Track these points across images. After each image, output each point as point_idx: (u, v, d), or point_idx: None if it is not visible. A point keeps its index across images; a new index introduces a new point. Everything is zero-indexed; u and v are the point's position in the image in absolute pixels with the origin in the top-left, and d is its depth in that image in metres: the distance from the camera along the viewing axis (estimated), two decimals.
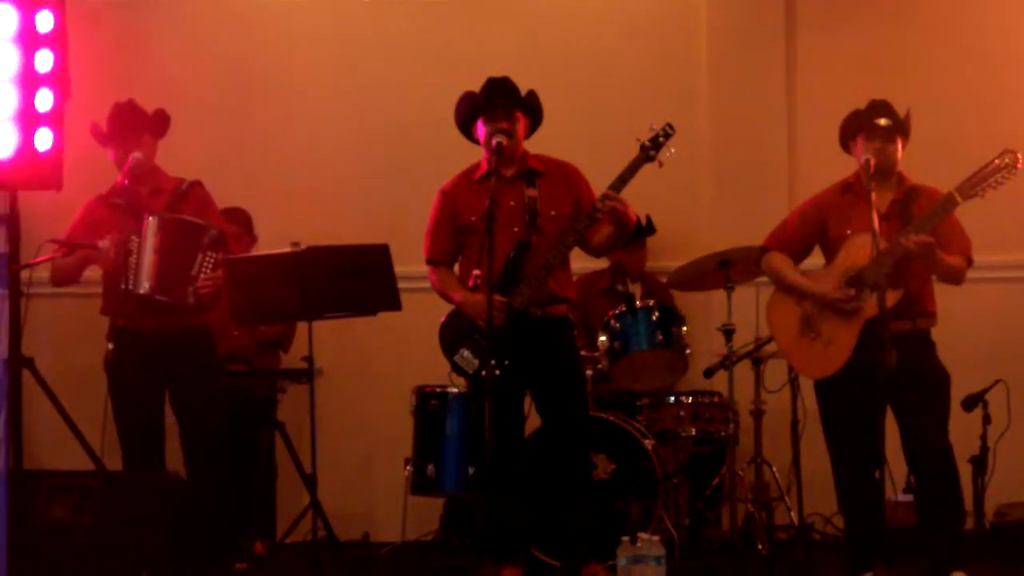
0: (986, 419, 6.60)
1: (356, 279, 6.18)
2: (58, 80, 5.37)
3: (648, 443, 6.66)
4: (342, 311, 6.37)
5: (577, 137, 7.34)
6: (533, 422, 6.27)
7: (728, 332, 6.83)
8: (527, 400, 6.19)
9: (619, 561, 5.61)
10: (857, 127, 5.86)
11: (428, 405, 6.74)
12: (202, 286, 6.09)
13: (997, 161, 5.60)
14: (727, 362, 6.84)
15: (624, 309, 6.87)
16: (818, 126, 6.92)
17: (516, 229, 6.05)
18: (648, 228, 7.53)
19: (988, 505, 6.71)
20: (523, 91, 6.15)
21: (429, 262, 6.26)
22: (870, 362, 5.47)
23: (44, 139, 5.34)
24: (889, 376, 5.39)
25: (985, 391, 6.62)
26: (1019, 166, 5.61)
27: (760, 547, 6.66)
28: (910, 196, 5.79)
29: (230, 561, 6.27)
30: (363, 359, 7.92)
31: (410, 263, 6.50)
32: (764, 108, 7.87)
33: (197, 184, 6.35)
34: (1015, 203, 6.83)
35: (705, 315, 7.55)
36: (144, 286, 6.01)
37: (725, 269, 6.87)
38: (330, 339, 6.98)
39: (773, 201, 7.37)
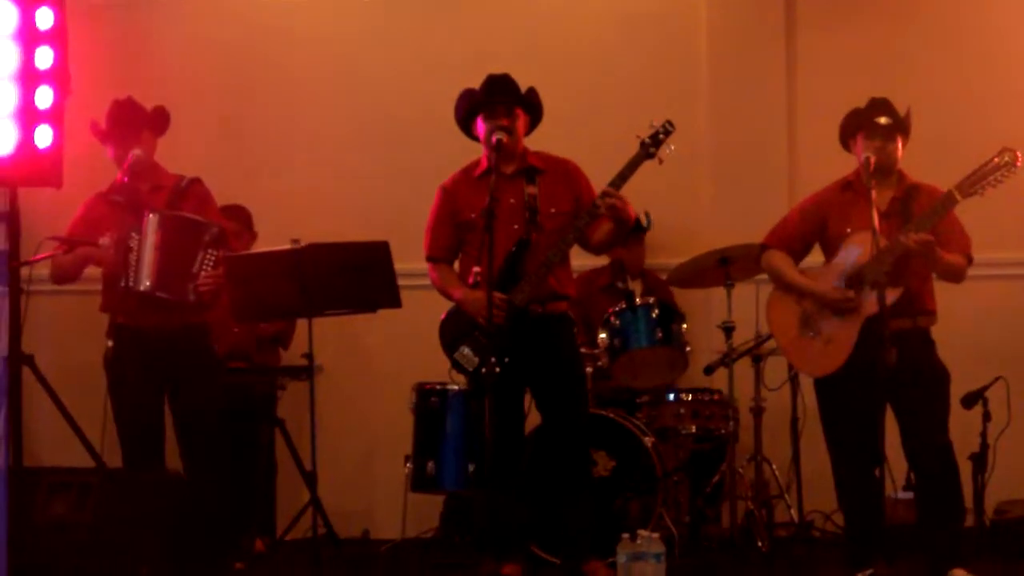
0: (986, 416, 6.60)
1: (356, 276, 6.17)
2: (58, 77, 5.38)
3: (648, 440, 6.66)
4: (342, 308, 6.37)
5: (577, 134, 7.34)
6: (533, 419, 6.27)
7: (728, 329, 6.84)
8: (527, 397, 6.19)
9: (619, 558, 5.61)
10: (857, 125, 5.86)
11: (428, 402, 6.74)
12: (202, 283, 6.09)
13: (997, 159, 5.61)
14: (727, 359, 6.84)
15: (624, 306, 6.87)
16: (818, 124, 6.93)
17: (516, 226, 6.05)
18: (647, 225, 7.53)
19: (988, 502, 6.71)
20: (523, 88, 6.15)
21: (429, 259, 6.26)
22: (870, 360, 5.47)
23: (44, 136, 5.34)
24: (889, 374, 5.39)
25: (985, 388, 6.62)
26: (1019, 164, 5.62)
27: (760, 544, 6.66)
28: (910, 194, 5.79)
29: (230, 559, 6.26)
30: (363, 356, 7.92)
31: (410, 260, 6.50)
32: (764, 106, 7.87)
33: (197, 181, 6.35)
34: (1015, 201, 6.84)
35: (705, 312, 7.55)
36: (144, 283, 6.01)
37: (725, 266, 6.87)
38: (330, 336, 6.98)
39: (773, 199, 7.36)
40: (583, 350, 6.54)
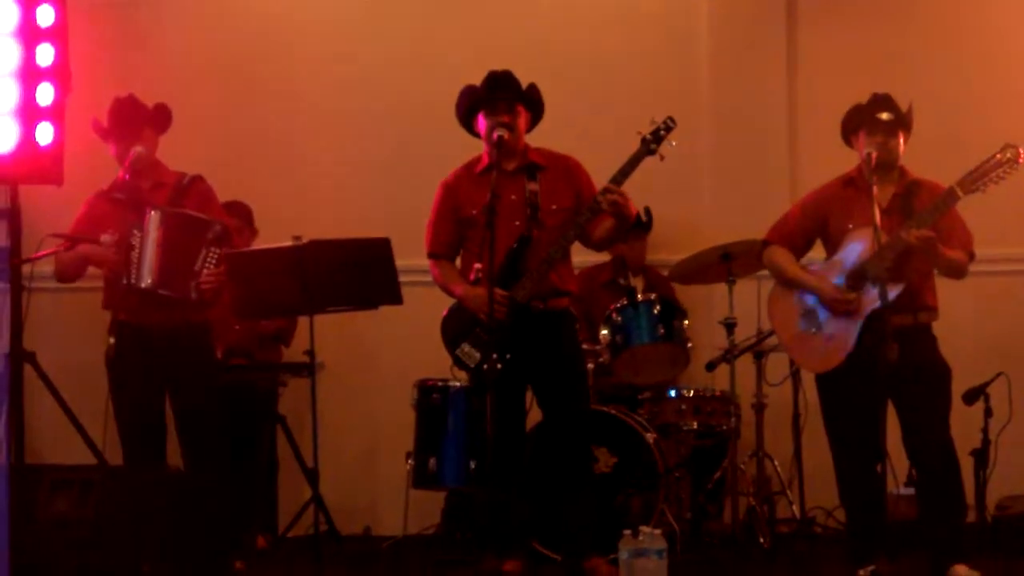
0: (987, 412, 6.59)
1: (357, 273, 6.18)
2: (59, 74, 5.38)
3: (650, 437, 6.66)
4: (343, 305, 6.37)
5: (578, 130, 7.34)
6: (535, 416, 6.28)
7: (730, 326, 6.84)
8: (528, 394, 6.19)
9: (621, 555, 5.61)
10: (859, 121, 5.86)
11: (429, 399, 6.73)
12: (205, 281, 6.09)
13: (999, 156, 5.60)
14: (729, 356, 6.84)
15: (626, 303, 6.87)
16: (819, 120, 6.94)
17: (517, 223, 6.05)
18: (648, 221, 7.52)
19: (990, 498, 6.70)
20: (524, 85, 6.14)
21: (430, 256, 6.26)
22: (871, 356, 5.47)
23: (45, 133, 5.34)
24: (890, 370, 5.39)
25: (986, 384, 6.61)
26: (1020, 161, 5.61)
27: (762, 541, 6.67)
28: (911, 190, 5.79)
29: (231, 556, 6.26)
30: (365, 353, 7.92)
31: (411, 257, 6.50)
32: (765, 102, 7.87)
33: (199, 179, 6.35)
34: (1016, 198, 6.82)
35: (707, 309, 7.54)
36: (146, 280, 6.01)
37: (727, 263, 6.86)
38: (332, 333, 6.97)
39: (774, 195, 7.36)
40: (584, 346, 6.54)
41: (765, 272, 6.32)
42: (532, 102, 6.17)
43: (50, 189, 5.52)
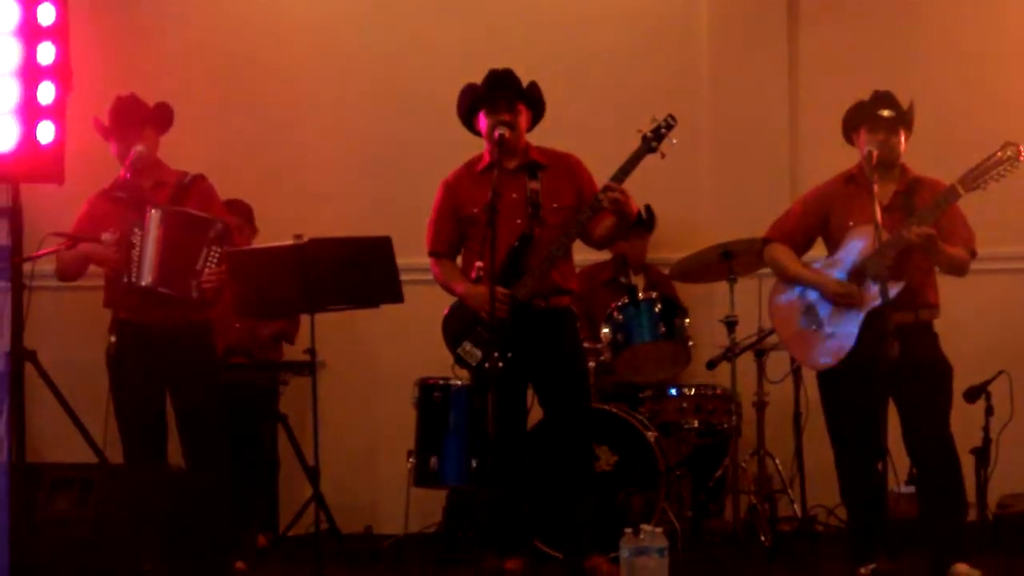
0: (989, 410, 6.59)
1: (358, 271, 6.17)
2: (60, 73, 5.38)
3: (651, 435, 6.66)
4: (344, 303, 6.37)
5: (579, 129, 7.33)
6: (536, 414, 6.27)
7: (731, 324, 6.83)
8: (530, 392, 6.19)
9: (622, 553, 5.61)
10: (860, 118, 5.86)
11: (431, 397, 6.73)
12: (206, 280, 6.09)
13: (999, 154, 5.60)
14: (730, 354, 6.84)
15: (627, 301, 6.87)
16: (820, 117, 6.93)
17: (518, 221, 6.05)
18: (648, 220, 7.52)
19: (991, 496, 6.71)
20: (525, 83, 6.14)
21: (432, 254, 6.26)
22: (872, 354, 5.47)
23: (46, 132, 5.34)
24: (891, 368, 5.39)
25: (988, 382, 6.61)
26: (1021, 159, 5.61)
27: (763, 539, 6.66)
28: (913, 188, 5.79)
29: (232, 555, 6.26)
30: (366, 351, 7.92)
31: (412, 255, 6.50)
32: (766, 99, 7.86)
33: (200, 177, 6.35)
34: (1017, 195, 6.82)
35: (708, 307, 7.54)
36: (146, 278, 6.01)
37: (728, 261, 6.86)
38: (333, 332, 6.97)
39: (775, 193, 7.36)
40: (586, 345, 6.54)
41: (766, 270, 6.32)
42: (533, 100, 6.17)
43: (51, 188, 5.53)
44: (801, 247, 6.04)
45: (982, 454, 6.53)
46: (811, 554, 6.65)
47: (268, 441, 7.21)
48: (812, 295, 5.88)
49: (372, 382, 7.89)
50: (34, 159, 5.32)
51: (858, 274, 5.72)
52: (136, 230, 6.04)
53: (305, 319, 6.56)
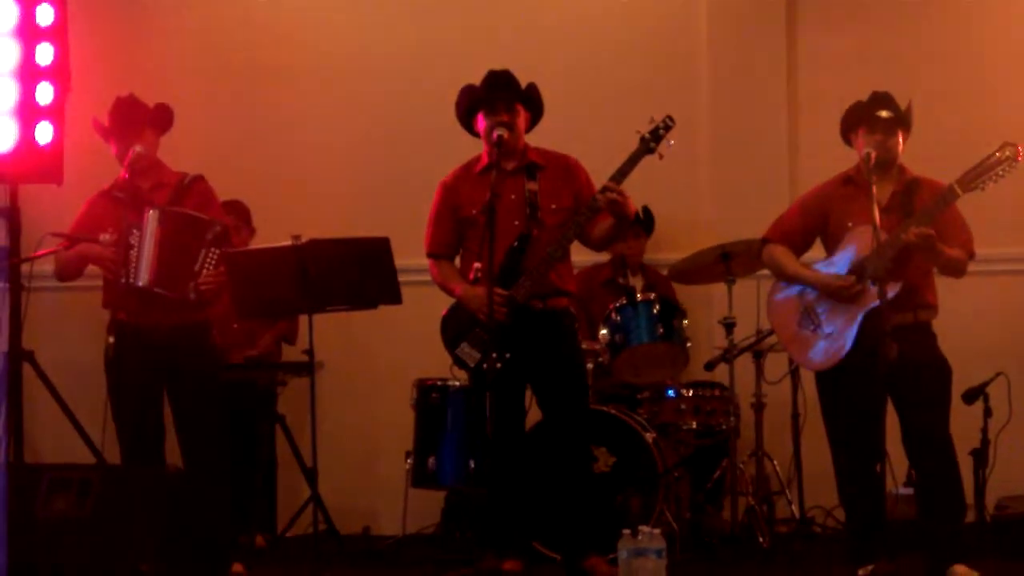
0: (987, 412, 6.60)
1: (357, 272, 6.17)
2: (58, 74, 5.38)
3: (649, 436, 6.66)
4: (343, 304, 6.37)
5: (577, 130, 7.34)
6: (534, 415, 6.27)
7: (729, 325, 6.83)
8: (528, 393, 6.19)
9: (620, 554, 5.60)
10: (858, 119, 5.86)
11: (429, 398, 6.74)
12: (204, 282, 6.08)
13: (998, 154, 5.60)
14: (728, 355, 6.84)
15: (625, 302, 6.86)
16: (819, 119, 6.94)
17: (517, 222, 6.05)
18: (647, 222, 7.52)
19: (989, 498, 6.71)
20: (524, 84, 6.14)
21: (430, 255, 6.26)
22: (871, 354, 5.47)
23: (44, 132, 5.35)
24: (889, 368, 5.39)
25: (986, 384, 6.62)
26: (1019, 159, 5.61)
27: (761, 540, 6.65)
28: (911, 188, 5.79)
29: (230, 557, 6.26)
30: (364, 352, 7.92)
31: (411, 256, 6.50)
32: (765, 100, 7.86)
33: (199, 179, 6.34)
34: (1016, 196, 6.84)
35: (706, 308, 7.55)
36: (143, 279, 6.00)
37: (726, 262, 6.86)
38: (331, 332, 6.97)
39: (774, 194, 7.36)
40: (584, 346, 6.54)
41: (764, 271, 6.32)
42: (531, 102, 6.17)
43: (49, 188, 5.53)
44: (800, 248, 6.04)
45: (980, 456, 6.53)
46: (809, 555, 6.64)
47: (266, 442, 7.22)
48: (811, 295, 5.88)
49: (370, 383, 7.89)
50: (32, 159, 5.33)
51: (856, 274, 5.72)
52: (134, 231, 6.03)
53: (303, 320, 6.57)
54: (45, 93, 5.33)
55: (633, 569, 5.52)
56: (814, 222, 5.98)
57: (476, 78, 6.15)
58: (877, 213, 5.52)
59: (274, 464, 7.33)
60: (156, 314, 6.09)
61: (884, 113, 5.78)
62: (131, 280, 6.00)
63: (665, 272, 7.44)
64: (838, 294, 5.76)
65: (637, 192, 6.08)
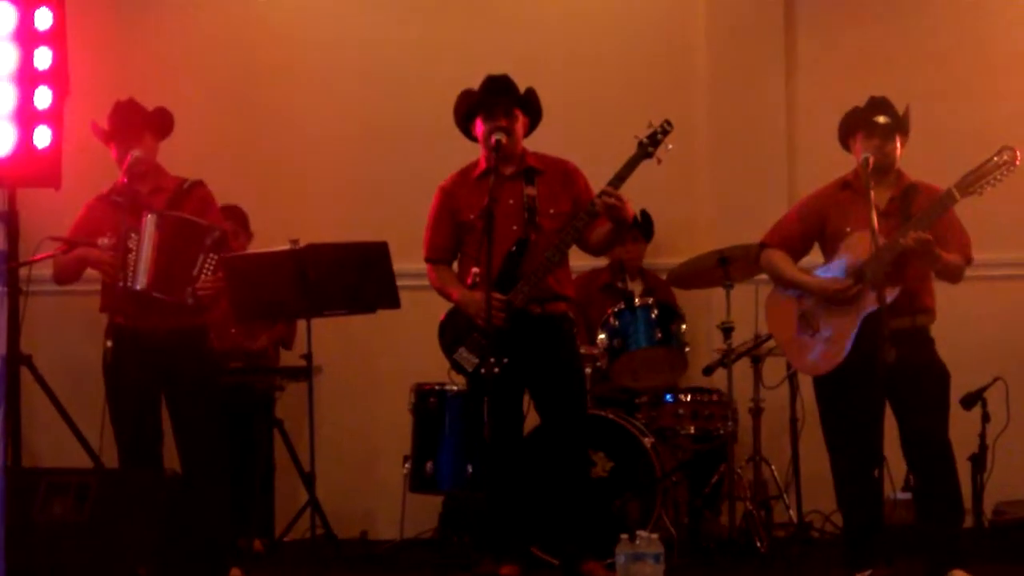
0: (985, 417, 6.60)
1: (355, 276, 6.17)
2: (57, 78, 5.36)
3: (647, 441, 6.65)
4: (341, 308, 6.36)
5: (575, 135, 7.34)
6: (532, 420, 6.27)
7: (727, 330, 6.83)
8: (526, 398, 6.19)
9: (618, 559, 5.60)
10: (856, 125, 5.86)
11: (427, 403, 6.74)
12: (202, 287, 6.08)
13: (996, 158, 5.60)
14: (726, 360, 6.84)
15: (623, 307, 6.87)
16: (817, 123, 6.94)
17: (515, 227, 6.06)
18: (647, 227, 7.52)
19: (987, 503, 6.72)
20: (522, 89, 6.14)
21: (428, 260, 6.26)
22: (869, 359, 5.46)
23: (43, 137, 5.32)
24: (888, 373, 5.39)
25: (984, 389, 6.62)
26: (1017, 163, 5.62)
27: (759, 545, 6.65)
28: (909, 193, 5.79)
29: (228, 561, 6.26)
30: (362, 357, 7.91)
31: (409, 261, 6.50)
32: (763, 105, 7.86)
33: (199, 184, 6.34)
34: (1014, 200, 6.84)
35: (705, 312, 7.55)
36: (141, 282, 6.00)
37: (724, 267, 6.86)
38: (329, 337, 6.98)
39: (772, 199, 7.36)
40: (582, 350, 6.54)
41: (763, 276, 6.33)
42: (530, 106, 6.17)
43: (48, 192, 5.50)
44: (798, 252, 6.04)
45: (978, 461, 6.53)
46: (807, 560, 6.63)
47: (264, 446, 7.21)
48: (809, 300, 5.88)
49: (368, 387, 7.89)
50: (31, 164, 5.30)
51: (855, 279, 5.72)
52: (132, 235, 6.03)
53: (301, 324, 6.57)
54: (43, 97, 5.31)
55: (631, 574, 5.52)
56: (812, 227, 5.99)
57: (475, 82, 6.15)
58: (875, 218, 5.52)
59: (272, 468, 7.32)
60: (154, 318, 6.10)
61: (881, 118, 5.79)
62: (129, 284, 6.00)
63: (664, 276, 7.44)
64: (835, 298, 5.76)
65: (635, 197, 6.08)
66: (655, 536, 5.65)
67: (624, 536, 5.63)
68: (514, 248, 6.03)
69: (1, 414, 5.51)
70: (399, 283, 6.22)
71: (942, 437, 5.72)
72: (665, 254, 7.70)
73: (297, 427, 7.11)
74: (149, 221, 6.05)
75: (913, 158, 5.94)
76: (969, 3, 7.89)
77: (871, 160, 5.69)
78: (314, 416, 6.25)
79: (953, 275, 5.80)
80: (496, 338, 5.76)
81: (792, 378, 6.86)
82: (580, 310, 7.02)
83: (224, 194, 6.78)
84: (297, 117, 8.07)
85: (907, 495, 6.19)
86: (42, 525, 5.51)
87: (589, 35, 8.05)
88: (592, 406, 6.68)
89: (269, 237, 7.02)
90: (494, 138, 6.00)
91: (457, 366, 6.13)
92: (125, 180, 6.16)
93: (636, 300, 6.90)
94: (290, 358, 7.32)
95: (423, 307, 6.46)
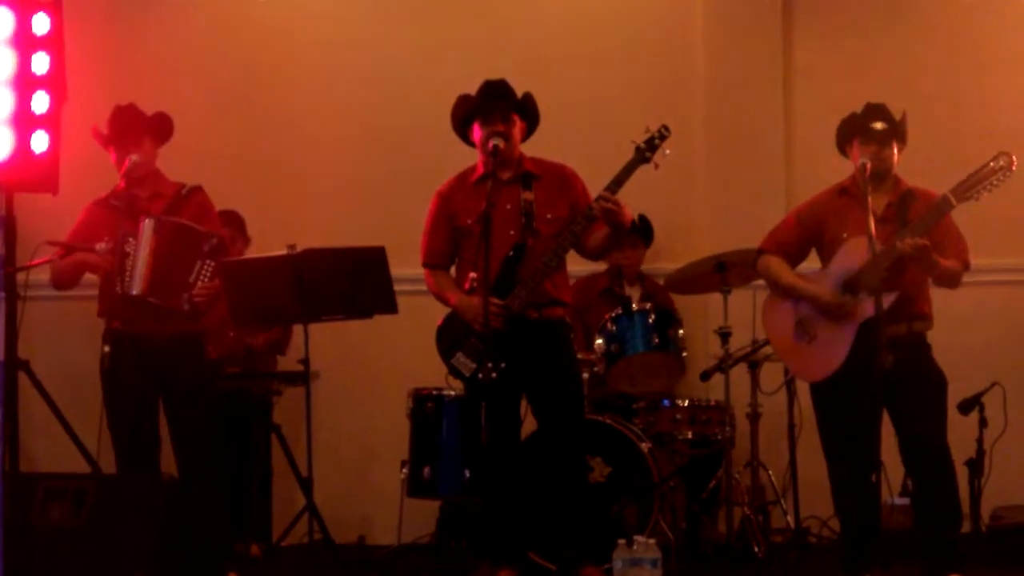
0: (982, 422, 6.61)
1: (352, 281, 6.18)
2: (54, 83, 5.37)
3: (645, 446, 6.65)
4: (338, 314, 6.37)
5: (573, 140, 7.34)
6: (530, 425, 6.27)
7: (724, 335, 6.83)
8: (523, 403, 6.19)
9: (615, 564, 5.61)
10: (853, 131, 5.87)
11: (424, 408, 6.74)
12: (198, 294, 6.08)
13: (992, 164, 5.61)
14: (723, 365, 6.84)
15: (621, 312, 6.87)
16: (814, 129, 6.95)
17: (512, 232, 6.06)
18: (646, 232, 7.52)
19: (984, 508, 6.73)
20: (519, 94, 6.15)
21: (425, 265, 6.26)
22: (866, 365, 5.46)
23: (40, 142, 5.33)
24: (885, 379, 5.39)
25: (981, 394, 6.63)
26: (1014, 169, 5.62)
27: (756, 550, 6.66)
28: (906, 199, 5.80)
29: (225, 566, 6.26)
30: (359, 362, 7.91)
31: (406, 266, 6.50)
32: (761, 111, 7.87)
33: (198, 189, 6.35)
34: (1010, 206, 6.85)
35: (702, 318, 7.55)
36: (137, 287, 6.00)
37: (722, 272, 6.86)
38: (326, 342, 6.97)
39: (770, 204, 7.39)
40: (580, 355, 6.54)
41: (760, 281, 6.32)
42: (527, 111, 6.17)
43: (45, 197, 5.51)
44: (795, 258, 6.05)
45: (976, 466, 6.54)
46: (804, 566, 6.64)
47: (261, 451, 7.21)
48: (806, 307, 5.88)
49: (366, 392, 7.89)
50: (28, 169, 5.30)
51: (851, 285, 5.72)
52: (130, 239, 6.03)
53: (298, 330, 6.57)
54: (41, 102, 5.31)
55: None
56: (809, 233, 5.99)
57: (474, 83, 6.15)
58: (873, 224, 5.52)
59: (269, 473, 7.32)
60: (150, 323, 6.10)
61: (878, 125, 5.79)
62: (125, 289, 6.00)
63: (661, 282, 7.45)
64: (829, 311, 5.77)
65: (633, 202, 6.08)
66: (652, 541, 5.66)
67: (622, 541, 5.63)
68: (511, 253, 6.03)
69: None
70: (397, 288, 6.23)
71: (940, 442, 5.72)
72: (663, 259, 7.71)
73: (295, 432, 7.11)
74: (147, 226, 6.05)
75: (910, 164, 5.95)
76: (966, 9, 7.90)
77: (868, 166, 5.69)
78: (311, 421, 6.26)
79: (951, 281, 5.80)
80: (494, 343, 5.76)
81: (790, 383, 6.86)
82: (578, 315, 7.03)
83: (222, 197, 6.78)
84: (296, 119, 8.07)
85: (905, 500, 6.23)
86: (40, 530, 5.51)
87: (588, 38, 8.05)
88: (590, 411, 6.68)
89: (267, 240, 7.02)
90: (491, 143, 6.00)
91: (455, 371, 6.13)
92: (124, 184, 6.17)
93: (634, 305, 6.91)
94: (287, 363, 7.32)
95: (421, 312, 6.46)
